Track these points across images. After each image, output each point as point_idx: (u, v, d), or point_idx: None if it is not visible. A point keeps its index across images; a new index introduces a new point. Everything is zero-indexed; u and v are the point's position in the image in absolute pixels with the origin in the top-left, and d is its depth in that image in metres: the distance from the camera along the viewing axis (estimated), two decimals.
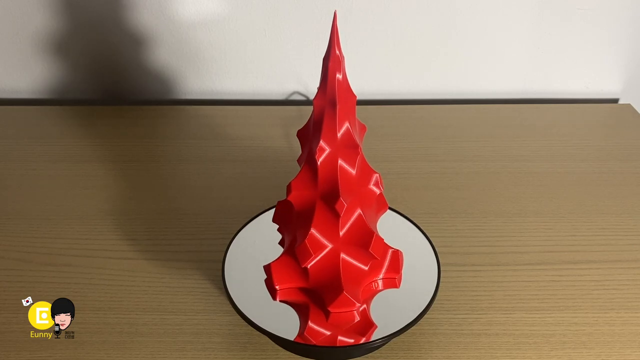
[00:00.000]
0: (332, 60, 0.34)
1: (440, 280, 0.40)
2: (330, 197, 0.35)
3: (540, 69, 0.72)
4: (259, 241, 0.42)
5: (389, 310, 0.38)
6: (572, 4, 0.67)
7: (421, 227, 0.45)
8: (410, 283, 0.40)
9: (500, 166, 0.59)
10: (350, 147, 0.36)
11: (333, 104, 0.35)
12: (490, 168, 0.59)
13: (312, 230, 0.36)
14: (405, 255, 0.40)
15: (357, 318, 0.37)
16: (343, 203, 0.35)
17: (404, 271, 0.40)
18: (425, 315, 0.38)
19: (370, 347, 0.39)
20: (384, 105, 0.72)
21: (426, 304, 0.38)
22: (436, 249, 0.43)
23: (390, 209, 0.46)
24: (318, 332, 0.36)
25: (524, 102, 0.73)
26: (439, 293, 0.39)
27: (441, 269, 0.41)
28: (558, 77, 0.73)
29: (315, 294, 0.37)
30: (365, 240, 0.36)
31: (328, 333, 0.37)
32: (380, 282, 0.39)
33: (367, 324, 0.37)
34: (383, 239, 0.37)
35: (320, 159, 0.35)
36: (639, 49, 0.70)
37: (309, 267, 0.36)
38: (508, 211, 0.53)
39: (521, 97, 0.74)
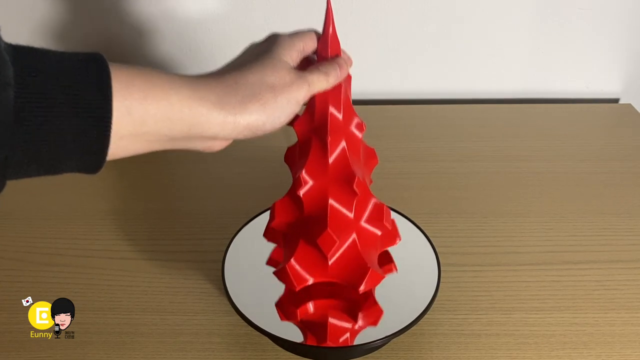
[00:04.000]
0: (322, 42, 0.35)
1: (440, 280, 0.40)
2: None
3: (540, 69, 0.72)
4: (259, 241, 0.42)
5: (389, 310, 0.38)
6: (572, 4, 0.67)
7: (421, 227, 0.45)
8: (410, 283, 0.40)
9: (500, 166, 0.59)
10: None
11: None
12: (490, 168, 0.59)
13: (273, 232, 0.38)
14: (406, 255, 0.40)
15: (310, 310, 0.38)
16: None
17: (404, 270, 0.39)
18: (425, 315, 0.38)
19: (370, 347, 0.38)
20: (384, 105, 0.72)
21: (426, 304, 0.38)
22: (436, 249, 0.43)
23: (391, 208, 0.46)
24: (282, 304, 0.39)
25: (524, 102, 0.73)
26: (439, 293, 0.39)
27: (441, 269, 0.41)
28: (558, 77, 0.72)
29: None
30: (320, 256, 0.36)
31: (281, 317, 0.38)
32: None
33: (321, 328, 0.37)
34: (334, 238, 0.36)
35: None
36: (639, 49, 0.70)
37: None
38: (508, 211, 0.53)
39: (521, 97, 0.73)
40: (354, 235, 0.36)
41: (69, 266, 0.47)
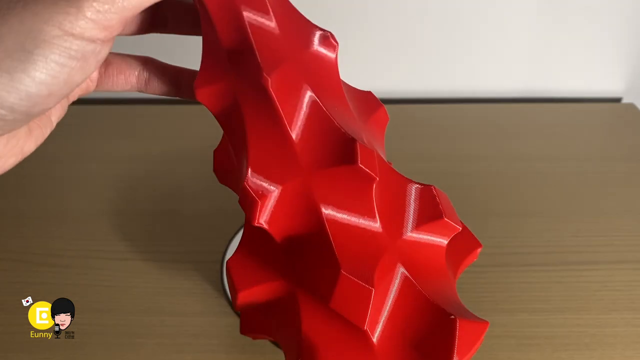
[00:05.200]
0: None
1: None
2: None
3: (541, 68, 0.71)
4: None
5: None
6: (574, 2, 0.66)
7: None
8: None
9: (501, 166, 0.59)
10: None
11: None
12: (490, 168, 0.59)
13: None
14: None
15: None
16: None
17: None
18: None
19: None
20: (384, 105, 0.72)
21: None
22: None
23: None
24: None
25: (525, 101, 0.73)
26: None
27: None
28: (560, 76, 0.72)
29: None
30: None
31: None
32: None
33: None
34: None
35: None
36: None
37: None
38: (509, 211, 0.53)
39: (522, 96, 0.73)
40: (400, 269, 0.18)
41: (69, 266, 0.47)
